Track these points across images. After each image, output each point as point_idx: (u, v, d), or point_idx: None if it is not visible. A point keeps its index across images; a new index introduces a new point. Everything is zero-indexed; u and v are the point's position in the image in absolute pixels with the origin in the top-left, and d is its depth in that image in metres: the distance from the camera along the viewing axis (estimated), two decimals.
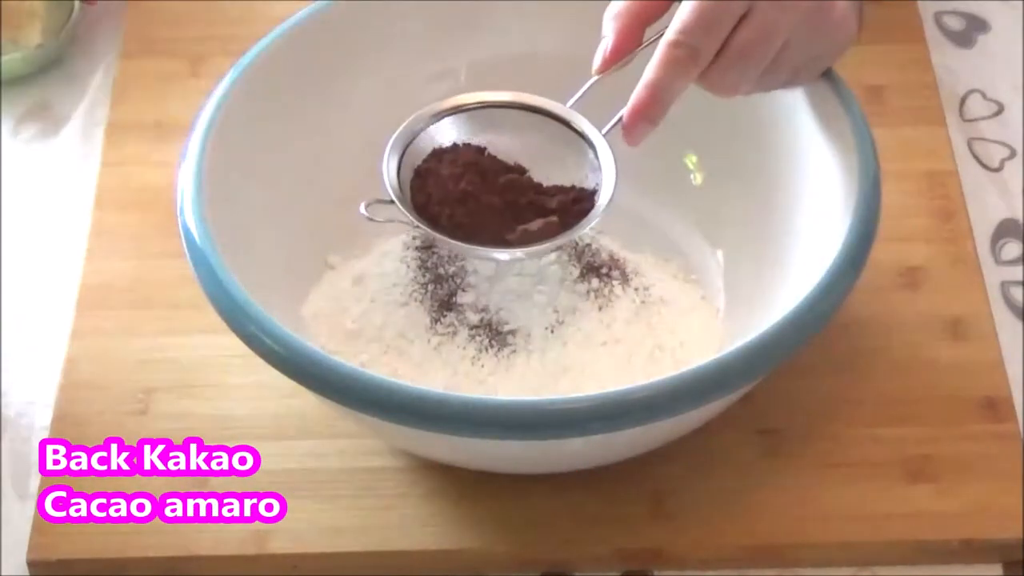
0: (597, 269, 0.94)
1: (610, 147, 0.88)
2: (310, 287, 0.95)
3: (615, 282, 0.93)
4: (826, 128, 0.90)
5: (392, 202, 0.86)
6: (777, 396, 0.92)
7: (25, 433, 0.95)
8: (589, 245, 0.95)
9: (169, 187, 0.90)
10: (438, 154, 0.89)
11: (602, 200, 0.87)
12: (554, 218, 0.87)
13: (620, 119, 0.86)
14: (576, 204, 0.88)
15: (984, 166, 1.07)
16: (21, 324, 1.00)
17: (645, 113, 0.85)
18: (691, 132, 0.98)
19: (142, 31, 1.14)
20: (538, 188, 0.89)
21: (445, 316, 0.92)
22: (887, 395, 0.93)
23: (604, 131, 0.88)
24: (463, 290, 0.92)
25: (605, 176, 0.88)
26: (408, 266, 0.94)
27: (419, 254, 0.95)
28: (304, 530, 0.89)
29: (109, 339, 0.97)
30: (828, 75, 0.91)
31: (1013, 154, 1.07)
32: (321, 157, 0.96)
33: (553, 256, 0.94)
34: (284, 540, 0.89)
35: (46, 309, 1.00)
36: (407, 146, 0.89)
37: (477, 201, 0.87)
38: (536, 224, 0.87)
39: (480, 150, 0.89)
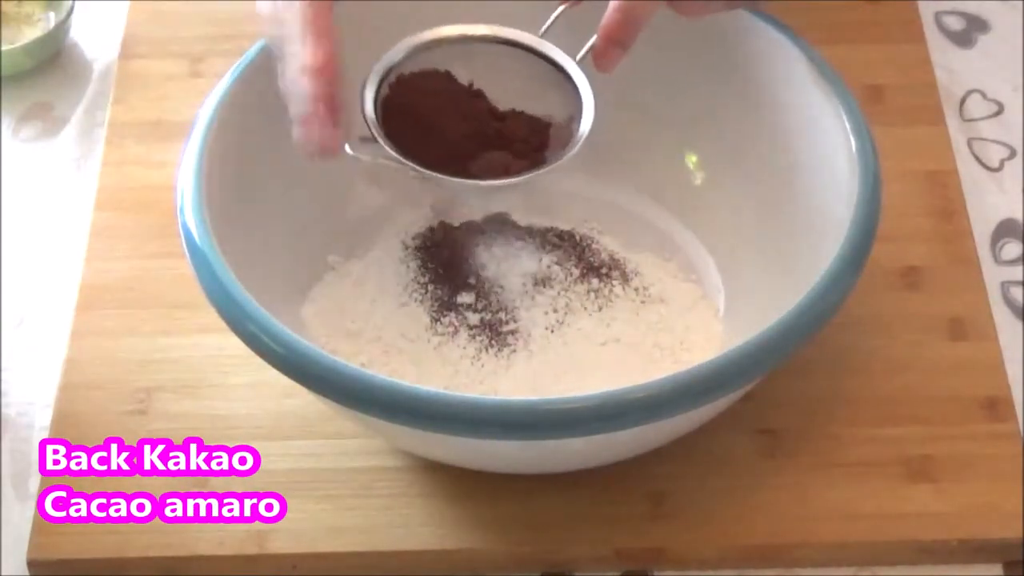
0: (597, 269, 0.94)
1: (585, 73, 0.88)
2: (310, 287, 0.95)
3: (615, 282, 0.93)
4: (826, 128, 0.90)
5: (374, 139, 0.86)
6: (777, 396, 0.92)
7: (25, 433, 0.95)
8: (589, 245, 0.95)
9: (169, 187, 0.90)
10: (401, 82, 0.89)
11: (584, 127, 0.87)
12: (520, 160, 0.88)
13: (592, 47, 0.86)
14: (534, 135, 0.89)
15: (984, 166, 1.06)
16: (21, 324, 1.00)
17: (616, 36, 0.85)
18: (691, 132, 0.98)
19: (142, 31, 1.14)
20: (494, 112, 0.90)
21: (445, 316, 0.92)
22: (887, 395, 0.93)
23: (578, 58, 0.88)
24: (463, 290, 0.92)
25: (584, 103, 0.88)
26: (408, 266, 0.94)
27: (419, 254, 0.95)
28: (304, 530, 0.89)
29: (109, 339, 0.97)
30: (828, 75, 0.91)
31: (1013, 154, 1.07)
32: None
33: (554, 256, 0.94)
34: (284, 540, 0.89)
35: (46, 309, 1.00)
36: (381, 83, 0.88)
37: (436, 130, 0.88)
38: (500, 160, 0.88)
39: (438, 73, 0.89)
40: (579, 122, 0.88)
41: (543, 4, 0.91)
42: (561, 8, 0.90)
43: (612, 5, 0.85)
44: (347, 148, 0.85)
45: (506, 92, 0.90)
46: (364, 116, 0.87)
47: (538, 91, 0.90)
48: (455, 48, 0.90)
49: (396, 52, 0.89)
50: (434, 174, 0.86)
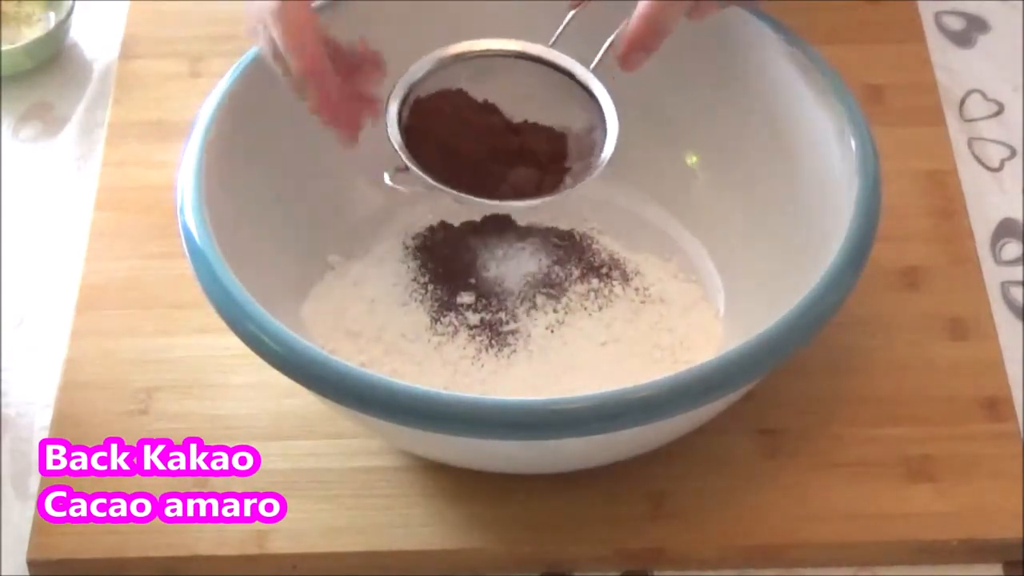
0: (597, 269, 0.94)
1: (604, 85, 0.90)
2: (310, 287, 0.95)
3: (615, 282, 0.93)
4: (826, 128, 0.90)
5: (407, 168, 0.87)
6: (777, 396, 0.92)
7: (25, 433, 0.95)
8: (589, 245, 0.95)
9: (169, 187, 0.90)
10: (419, 105, 0.90)
11: (610, 136, 0.88)
12: (545, 173, 0.89)
13: (609, 46, 0.88)
14: (553, 147, 0.90)
15: (984, 166, 1.07)
16: (21, 324, 1.00)
17: (642, 44, 0.87)
18: (691, 132, 0.98)
19: (142, 31, 1.14)
20: (510, 126, 0.90)
21: (445, 316, 0.92)
22: (887, 395, 0.93)
23: (591, 67, 0.89)
24: (463, 290, 0.92)
25: (605, 111, 0.89)
26: (408, 266, 0.94)
27: (419, 254, 0.95)
28: (304, 530, 0.89)
29: (109, 339, 0.97)
30: (828, 75, 0.91)
31: (1013, 154, 1.07)
32: (321, 157, 0.96)
33: (554, 256, 0.94)
34: (284, 540, 0.89)
35: (46, 309, 1.00)
36: (402, 107, 0.89)
37: (460, 152, 0.89)
38: (525, 176, 0.89)
39: (451, 92, 0.90)
40: (602, 131, 0.88)
41: (554, 5, 0.91)
42: (572, 13, 0.90)
43: (639, 14, 0.86)
44: (386, 179, 0.87)
45: (520, 104, 0.91)
46: (392, 143, 0.87)
47: (553, 101, 0.91)
48: (468, 64, 0.90)
49: (412, 74, 0.90)
50: (472, 198, 0.87)
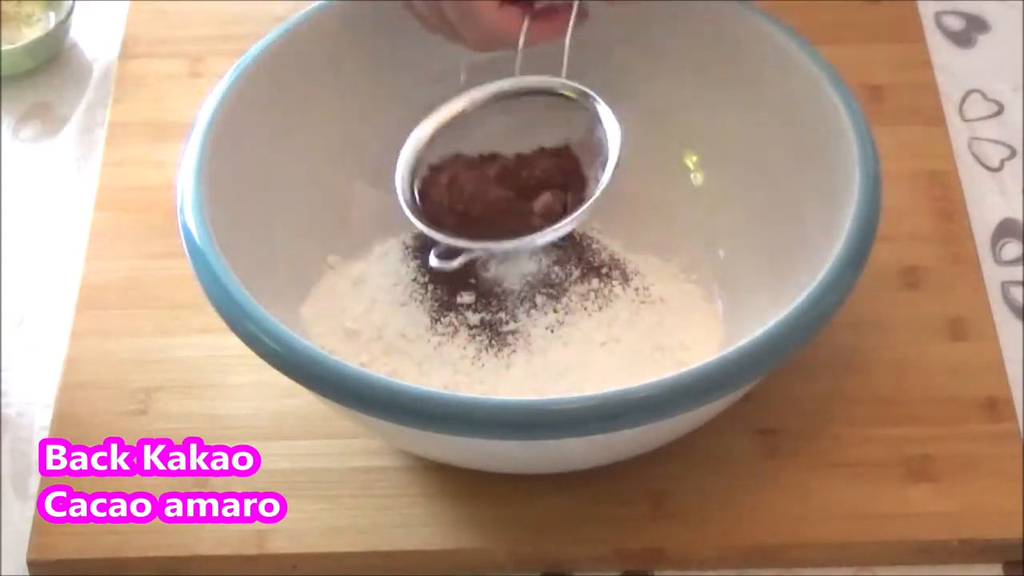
0: (597, 269, 0.94)
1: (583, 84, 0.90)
2: (310, 287, 0.95)
3: (615, 282, 0.93)
4: (826, 128, 0.90)
5: (440, 245, 0.88)
6: (777, 396, 0.92)
7: (25, 433, 0.95)
8: (589, 245, 0.95)
9: (169, 187, 0.90)
10: (427, 184, 0.90)
11: (611, 129, 0.88)
12: (565, 191, 0.89)
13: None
14: (563, 163, 0.90)
15: (984, 166, 1.07)
16: (21, 324, 1.00)
17: None
18: (691, 132, 0.98)
19: (142, 31, 1.14)
20: (518, 162, 0.91)
21: (445, 316, 0.92)
22: (887, 395, 0.93)
23: (563, 74, 0.89)
24: (463, 290, 0.92)
25: (599, 109, 0.89)
26: (408, 266, 0.94)
27: (419, 254, 0.94)
28: (304, 530, 0.89)
29: (109, 339, 0.97)
30: (828, 74, 0.91)
31: (1013, 154, 1.07)
32: (321, 157, 0.96)
33: (554, 256, 0.94)
34: (284, 540, 0.89)
35: (46, 309, 1.00)
36: (412, 184, 0.90)
37: (487, 215, 0.89)
38: (550, 200, 0.89)
39: (450, 161, 0.91)
40: (601, 130, 0.89)
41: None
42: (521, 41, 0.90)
43: None
44: (433, 262, 0.88)
45: (518, 137, 0.91)
46: (425, 232, 0.88)
47: (545, 121, 0.91)
48: (451, 127, 0.91)
49: (403, 162, 0.90)
50: (515, 244, 0.88)
